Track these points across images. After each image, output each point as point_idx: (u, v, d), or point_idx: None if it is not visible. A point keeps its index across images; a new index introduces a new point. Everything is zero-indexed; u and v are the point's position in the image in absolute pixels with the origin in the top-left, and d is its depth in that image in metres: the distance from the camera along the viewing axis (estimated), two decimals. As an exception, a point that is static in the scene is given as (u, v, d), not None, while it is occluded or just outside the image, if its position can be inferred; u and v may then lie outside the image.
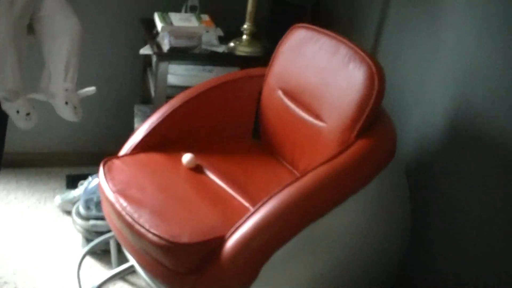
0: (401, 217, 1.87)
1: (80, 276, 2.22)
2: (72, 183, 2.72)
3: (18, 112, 1.81)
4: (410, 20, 2.09)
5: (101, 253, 2.37)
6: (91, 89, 1.97)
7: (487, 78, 1.74)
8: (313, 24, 2.09)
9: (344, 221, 1.68)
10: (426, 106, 2.00)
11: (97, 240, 2.26)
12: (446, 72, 1.91)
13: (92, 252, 2.35)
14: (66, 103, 1.88)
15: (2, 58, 1.73)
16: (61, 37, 1.84)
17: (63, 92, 1.87)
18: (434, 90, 1.96)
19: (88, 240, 2.33)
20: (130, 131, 2.72)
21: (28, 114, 1.83)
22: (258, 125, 2.21)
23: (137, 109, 2.72)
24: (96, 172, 2.54)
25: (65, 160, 2.89)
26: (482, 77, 1.76)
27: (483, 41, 1.77)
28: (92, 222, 2.31)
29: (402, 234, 1.89)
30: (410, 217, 1.92)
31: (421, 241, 2.00)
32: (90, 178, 2.50)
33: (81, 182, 2.62)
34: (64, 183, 2.77)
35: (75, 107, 1.90)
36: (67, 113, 1.91)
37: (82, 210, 2.34)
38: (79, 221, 2.34)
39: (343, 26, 2.77)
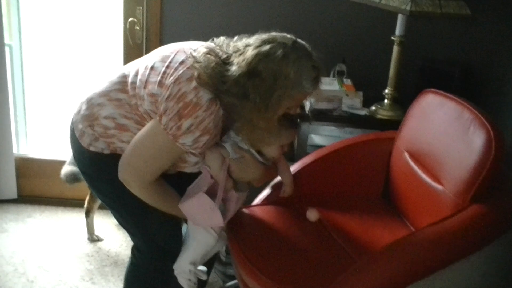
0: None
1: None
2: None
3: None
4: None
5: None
6: None
7: None
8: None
9: (447, 287, 1.66)
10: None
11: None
12: None
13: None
14: None
15: None
16: None
17: None
18: None
19: (224, 282, 2.53)
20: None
21: None
22: (388, 186, 2.26)
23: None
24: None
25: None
26: None
27: None
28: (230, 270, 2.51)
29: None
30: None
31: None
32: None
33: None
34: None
35: None
36: None
37: (223, 258, 2.54)
38: (219, 267, 2.55)
39: (493, 96, 2.74)
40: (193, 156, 1.84)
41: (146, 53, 2.89)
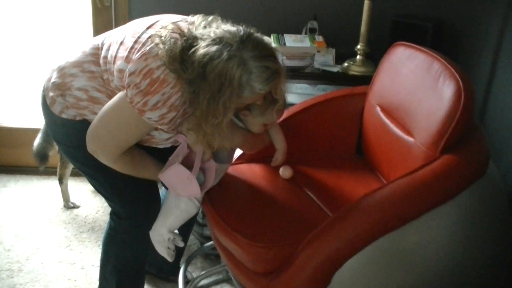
0: (493, 242, 1.80)
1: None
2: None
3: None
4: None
5: (215, 258, 2.56)
6: None
7: None
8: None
9: (420, 237, 1.67)
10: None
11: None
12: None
13: (206, 256, 2.55)
14: None
15: None
16: None
17: None
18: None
19: (202, 244, 2.53)
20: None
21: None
22: (361, 141, 2.26)
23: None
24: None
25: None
26: None
27: None
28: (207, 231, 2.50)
29: (495, 260, 1.82)
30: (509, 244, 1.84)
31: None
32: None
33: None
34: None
35: None
36: None
37: (199, 220, 2.54)
38: (196, 228, 2.55)
39: (467, 50, 2.73)
40: (163, 132, 1.83)
41: (115, 16, 2.85)
